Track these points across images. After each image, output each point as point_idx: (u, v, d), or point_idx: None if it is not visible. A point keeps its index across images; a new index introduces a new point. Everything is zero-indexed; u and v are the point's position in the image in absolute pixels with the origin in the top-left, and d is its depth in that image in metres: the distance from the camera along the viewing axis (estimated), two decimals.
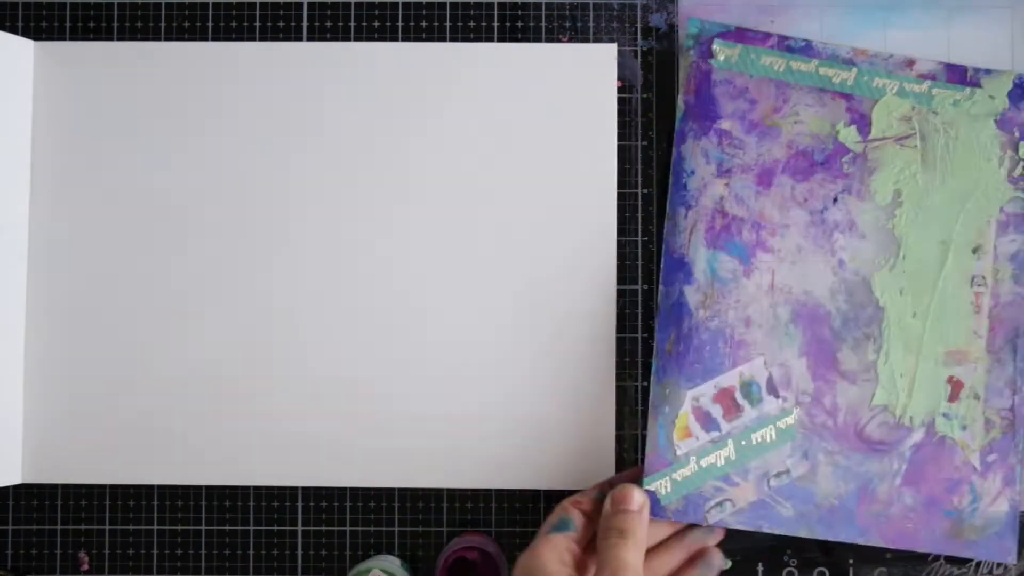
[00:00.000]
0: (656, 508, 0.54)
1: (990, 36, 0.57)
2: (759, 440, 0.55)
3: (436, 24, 0.58)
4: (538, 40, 0.58)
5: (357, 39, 0.58)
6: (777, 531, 0.54)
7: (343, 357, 0.57)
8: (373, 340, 0.57)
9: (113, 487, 0.58)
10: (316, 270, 0.57)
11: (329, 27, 0.58)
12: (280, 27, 0.58)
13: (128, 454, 0.57)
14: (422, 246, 0.57)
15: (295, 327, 0.57)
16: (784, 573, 0.57)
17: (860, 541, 0.54)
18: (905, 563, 0.56)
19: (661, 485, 0.54)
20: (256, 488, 0.58)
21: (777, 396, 0.55)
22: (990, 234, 0.55)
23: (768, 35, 0.56)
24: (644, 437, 0.56)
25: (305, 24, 0.58)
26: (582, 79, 0.57)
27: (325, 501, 0.58)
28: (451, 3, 0.58)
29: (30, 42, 0.58)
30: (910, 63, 0.56)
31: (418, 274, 0.57)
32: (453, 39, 0.58)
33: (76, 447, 0.57)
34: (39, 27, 0.59)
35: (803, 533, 0.54)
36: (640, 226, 0.58)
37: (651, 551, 0.53)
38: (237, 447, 0.57)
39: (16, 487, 0.58)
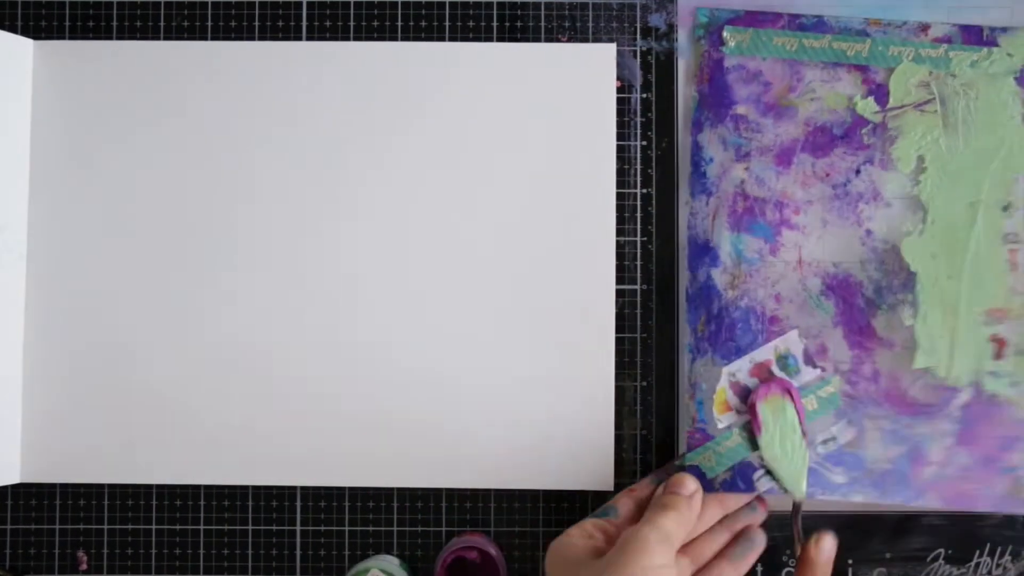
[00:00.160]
0: (703, 482, 0.53)
1: None
2: None
3: (435, 24, 0.58)
4: (537, 40, 0.58)
5: (356, 39, 0.58)
6: (831, 497, 0.55)
7: (342, 357, 0.57)
8: (372, 340, 0.57)
9: (112, 486, 0.58)
10: (315, 270, 0.57)
11: (328, 26, 0.58)
12: (279, 26, 0.58)
13: (127, 454, 0.57)
14: (421, 246, 0.57)
15: (294, 327, 0.57)
16: (784, 573, 0.57)
17: (918, 504, 0.54)
18: (904, 563, 0.56)
19: (705, 458, 0.54)
20: (255, 488, 0.58)
21: (815, 366, 0.55)
22: (1019, 191, 0.55)
23: (779, 15, 0.56)
24: (644, 437, 0.57)
25: (304, 24, 0.58)
26: (581, 79, 0.57)
27: (324, 501, 0.58)
28: (450, 3, 0.58)
29: (29, 41, 0.58)
30: (924, 28, 0.56)
31: (417, 274, 0.57)
32: (452, 39, 0.58)
33: (75, 447, 0.57)
34: (38, 26, 0.59)
35: (858, 498, 0.55)
36: (639, 226, 0.58)
37: (698, 537, 0.53)
38: (236, 447, 0.57)
39: (15, 486, 0.58)
